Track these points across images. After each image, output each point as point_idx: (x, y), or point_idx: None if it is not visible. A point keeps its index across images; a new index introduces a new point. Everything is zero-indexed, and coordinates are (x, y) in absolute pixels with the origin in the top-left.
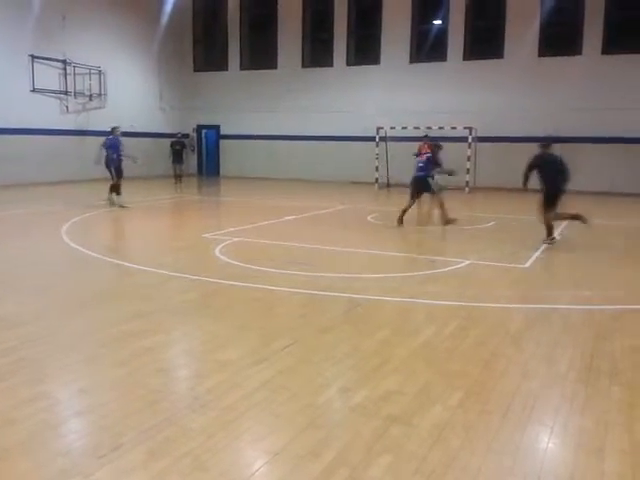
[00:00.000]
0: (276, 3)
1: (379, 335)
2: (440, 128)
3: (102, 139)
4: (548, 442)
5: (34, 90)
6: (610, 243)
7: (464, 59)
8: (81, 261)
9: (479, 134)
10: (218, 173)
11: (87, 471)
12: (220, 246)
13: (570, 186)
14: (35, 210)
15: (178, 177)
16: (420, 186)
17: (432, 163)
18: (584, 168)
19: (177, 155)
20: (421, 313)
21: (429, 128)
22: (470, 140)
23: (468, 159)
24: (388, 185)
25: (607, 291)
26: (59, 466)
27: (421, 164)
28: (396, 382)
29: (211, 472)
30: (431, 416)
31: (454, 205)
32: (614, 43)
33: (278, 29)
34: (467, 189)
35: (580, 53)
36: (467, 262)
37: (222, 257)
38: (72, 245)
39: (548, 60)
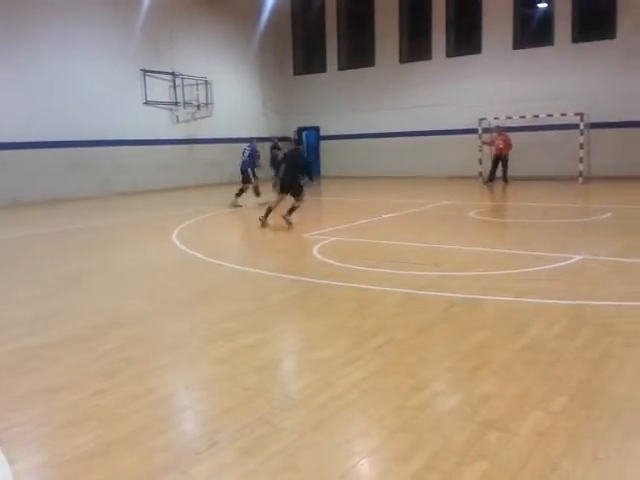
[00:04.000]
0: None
1: (478, 336)
2: (549, 116)
3: (212, 146)
4: None
5: (147, 102)
6: None
7: (573, 42)
8: (187, 263)
9: (592, 120)
10: (319, 173)
11: (185, 467)
12: (319, 245)
13: None
14: (150, 215)
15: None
16: None
17: None
18: None
19: (274, 160)
20: (525, 313)
21: (536, 116)
22: (582, 127)
23: (581, 147)
24: (491, 179)
25: None
26: (160, 461)
27: None
28: (495, 386)
29: (302, 472)
30: (531, 422)
31: (566, 197)
32: None
33: (375, 26)
34: (581, 179)
35: None
36: (578, 257)
37: (320, 257)
38: (181, 247)
39: None
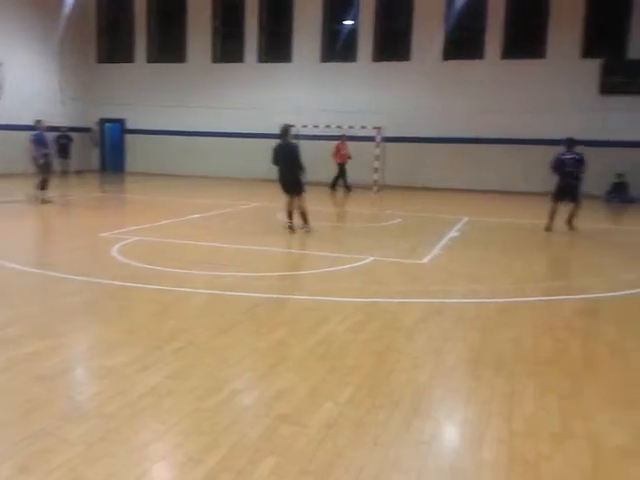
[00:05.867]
0: None
1: (278, 334)
2: (350, 127)
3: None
4: (433, 434)
5: None
6: (503, 239)
7: (373, 60)
8: None
9: (387, 134)
10: (123, 169)
11: None
12: (118, 245)
13: (471, 185)
14: None
15: (64, 173)
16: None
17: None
18: (485, 168)
19: (63, 150)
20: (321, 310)
21: (339, 127)
22: (378, 140)
23: (376, 158)
24: (334, 186)
25: (497, 285)
26: None
27: (571, 168)
28: (290, 381)
29: None
30: (321, 414)
31: (362, 204)
32: (513, 49)
33: (187, 22)
34: (375, 188)
35: (482, 57)
36: (370, 259)
37: (119, 257)
38: None
39: (452, 63)
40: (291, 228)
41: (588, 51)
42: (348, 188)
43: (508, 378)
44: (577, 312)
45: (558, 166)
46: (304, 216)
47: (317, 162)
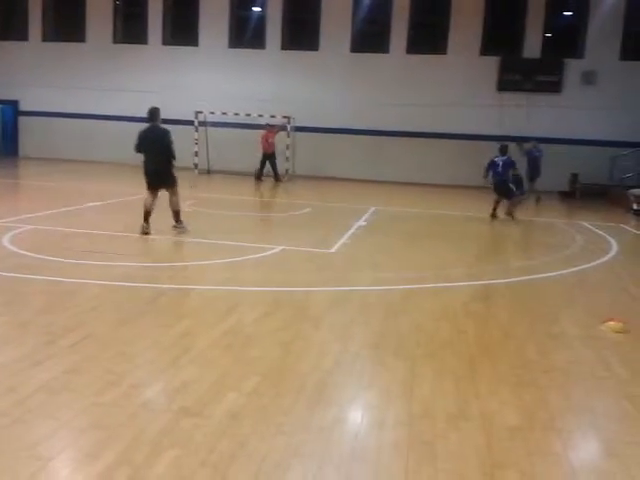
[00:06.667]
0: None
1: (182, 325)
2: (260, 116)
3: None
4: (335, 419)
5: None
6: (408, 228)
7: (282, 48)
8: None
9: (297, 124)
10: (17, 153)
11: None
12: (10, 234)
13: (378, 176)
14: None
15: None
16: (502, 190)
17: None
18: (390, 160)
19: None
20: (228, 301)
21: (248, 115)
22: (288, 129)
23: (287, 147)
24: (209, 171)
25: (401, 272)
26: None
27: (500, 168)
28: (193, 373)
29: None
30: (225, 404)
31: (273, 192)
32: (417, 44)
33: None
34: (286, 177)
35: (388, 51)
36: (279, 248)
37: (10, 247)
38: None
39: (360, 56)
40: (146, 232)
41: (487, 49)
42: (259, 178)
43: (409, 362)
44: (474, 298)
45: (490, 167)
46: (177, 214)
47: (225, 150)
